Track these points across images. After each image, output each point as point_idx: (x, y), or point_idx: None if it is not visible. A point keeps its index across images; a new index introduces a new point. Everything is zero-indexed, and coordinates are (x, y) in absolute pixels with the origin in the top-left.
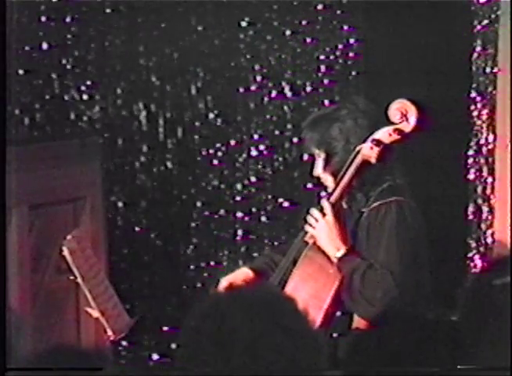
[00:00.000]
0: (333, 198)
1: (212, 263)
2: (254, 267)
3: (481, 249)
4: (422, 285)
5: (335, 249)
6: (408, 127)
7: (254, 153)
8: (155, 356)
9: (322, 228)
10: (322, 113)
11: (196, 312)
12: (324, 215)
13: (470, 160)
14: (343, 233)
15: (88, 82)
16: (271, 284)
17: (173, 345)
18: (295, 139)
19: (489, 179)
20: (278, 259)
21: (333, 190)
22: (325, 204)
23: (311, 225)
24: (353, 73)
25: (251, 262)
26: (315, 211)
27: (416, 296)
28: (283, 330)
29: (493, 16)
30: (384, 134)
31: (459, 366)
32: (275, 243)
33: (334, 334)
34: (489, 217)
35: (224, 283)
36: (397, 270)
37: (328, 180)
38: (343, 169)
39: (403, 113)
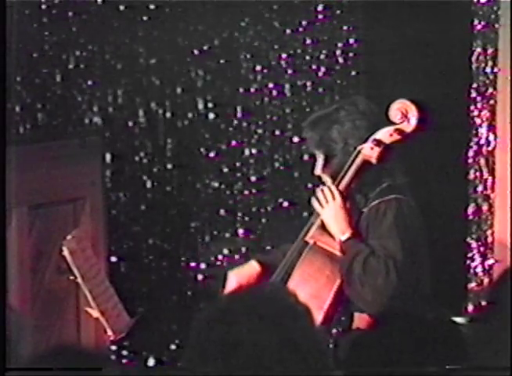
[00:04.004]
0: (341, 186)
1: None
2: (263, 261)
3: (481, 249)
4: (422, 283)
5: (340, 232)
6: (409, 127)
7: (254, 153)
8: (154, 356)
9: (330, 208)
10: (322, 113)
11: (206, 316)
12: (333, 197)
13: (470, 160)
14: (349, 217)
15: (89, 82)
16: (285, 294)
17: (172, 346)
18: (295, 139)
19: (489, 179)
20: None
21: (339, 182)
22: (332, 187)
23: (320, 203)
24: (353, 73)
25: (262, 255)
26: (326, 191)
27: (416, 294)
28: (291, 345)
29: (493, 16)
30: (385, 134)
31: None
32: (276, 243)
33: (334, 334)
34: (489, 217)
35: (232, 277)
36: (399, 258)
37: (327, 181)
38: (344, 169)
39: (404, 114)
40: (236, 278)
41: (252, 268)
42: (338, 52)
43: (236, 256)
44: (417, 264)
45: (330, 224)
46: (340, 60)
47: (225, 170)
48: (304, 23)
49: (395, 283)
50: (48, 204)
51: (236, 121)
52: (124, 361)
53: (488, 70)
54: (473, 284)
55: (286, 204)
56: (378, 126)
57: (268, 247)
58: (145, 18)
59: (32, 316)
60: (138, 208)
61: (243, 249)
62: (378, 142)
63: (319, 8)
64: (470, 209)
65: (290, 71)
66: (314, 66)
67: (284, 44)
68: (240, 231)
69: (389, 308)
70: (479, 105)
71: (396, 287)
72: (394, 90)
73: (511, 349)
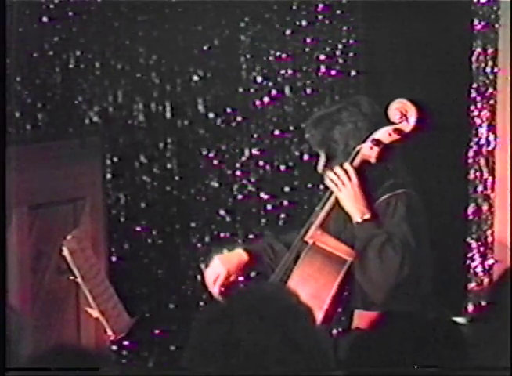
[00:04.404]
0: (355, 163)
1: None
2: (250, 250)
3: (481, 249)
4: (423, 282)
5: (359, 213)
6: (408, 127)
7: (254, 153)
8: (154, 356)
9: (348, 189)
10: (325, 112)
11: (206, 316)
12: (349, 178)
13: (470, 160)
14: (368, 198)
15: (89, 82)
16: (286, 293)
17: (172, 346)
18: (295, 139)
19: (489, 179)
20: (277, 247)
21: (353, 159)
22: (348, 167)
23: (337, 186)
24: (353, 73)
25: (248, 244)
26: (341, 172)
27: (417, 294)
28: (292, 345)
29: (493, 16)
30: (384, 134)
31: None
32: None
33: (334, 334)
34: (489, 217)
35: (216, 261)
36: (414, 250)
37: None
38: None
39: (403, 113)
40: (226, 266)
41: (241, 256)
42: (338, 52)
43: None
44: (424, 260)
45: (348, 205)
46: (340, 60)
47: (225, 170)
48: (304, 23)
49: (408, 275)
50: (48, 204)
51: (235, 121)
52: (124, 361)
53: (488, 70)
54: (473, 284)
55: (286, 203)
56: (380, 128)
57: None
58: (145, 18)
59: (32, 316)
60: (138, 208)
61: None
62: (377, 142)
63: (319, 8)
64: (470, 209)
65: (290, 71)
66: (314, 66)
67: (284, 44)
68: (240, 231)
69: (398, 300)
70: (479, 105)
71: (408, 279)
72: (394, 90)
73: (511, 349)
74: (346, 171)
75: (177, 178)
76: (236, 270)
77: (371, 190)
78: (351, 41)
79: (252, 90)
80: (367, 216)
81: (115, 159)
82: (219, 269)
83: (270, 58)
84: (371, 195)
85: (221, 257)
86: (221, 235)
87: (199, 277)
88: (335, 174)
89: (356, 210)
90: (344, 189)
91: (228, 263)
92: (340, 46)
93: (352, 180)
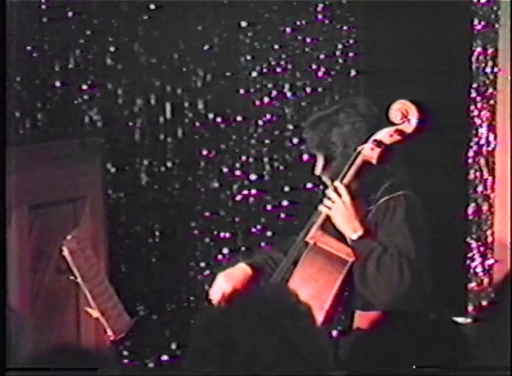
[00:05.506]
0: (345, 180)
1: (212, 263)
2: (252, 263)
3: (481, 249)
4: (424, 282)
5: (352, 231)
6: (409, 127)
7: (254, 153)
8: (155, 356)
9: (338, 209)
10: (322, 114)
11: (205, 317)
12: (340, 195)
13: (470, 160)
14: (360, 215)
15: (89, 82)
16: (285, 293)
17: (173, 346)
18: (295, 139)
19: (489, 179)
20: (277, 257)
21: (343, 176)
22: (339, 185)
23: (327, 206)
24: (353, 73)
25: (249, 258)
26: (331, 192)
27: (419, 294)
28: (291, 346)
29: (493, 16)
30: (385, 135)
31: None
32: (276, 243)
33: (335, 335)
34: (489, 217)
35: (221, 278)
36: (412, 256)
37: (328, 182)
38: (343, 170)
39: (404, 114)
40: (230, 282)
41: (244, 271)
42: (338, 52)
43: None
44: (424, 262)
45: (341, 223)
46: (340, 60)
47: (225, 170)
48: (304, 23)
49: (409, 281)
50: (48, 204)
51: (235, 121)
52: (124, 361)
53: (488, 70)
54: (473, 284)
55: (286, 203)
56: (378, 129)
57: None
58: (145, 18)
59: (32, 316)
60: (138, 208)
61: (243, 249)
62: (378, 143)
63: (319, 8)
64: (470, 209)
65: (289, 71)
66: (314, 66)
67: (284, 44)
68: (240, 231)
69: (403, 306)
70: (479, 105)
71: (410, 285)
72: (394, 90)
73: (511, 349)
74: (337, 191)
75: (177, 178)
76: (240, 286)
77: (370, 191)
78: (351, 41)
79: (252, 90)
80: (360, 233)
81: (115, 159)
82: (224, 285)
83: (270, 58)
84: (363, 209)
85: (225, 273)
86: (221, 235)
87: (199, 277)
88: (327, 195)
89: (348, 228)
90: (334, 208)
91: (233, 279)
92: (340, 46)
93: (343, 198)
